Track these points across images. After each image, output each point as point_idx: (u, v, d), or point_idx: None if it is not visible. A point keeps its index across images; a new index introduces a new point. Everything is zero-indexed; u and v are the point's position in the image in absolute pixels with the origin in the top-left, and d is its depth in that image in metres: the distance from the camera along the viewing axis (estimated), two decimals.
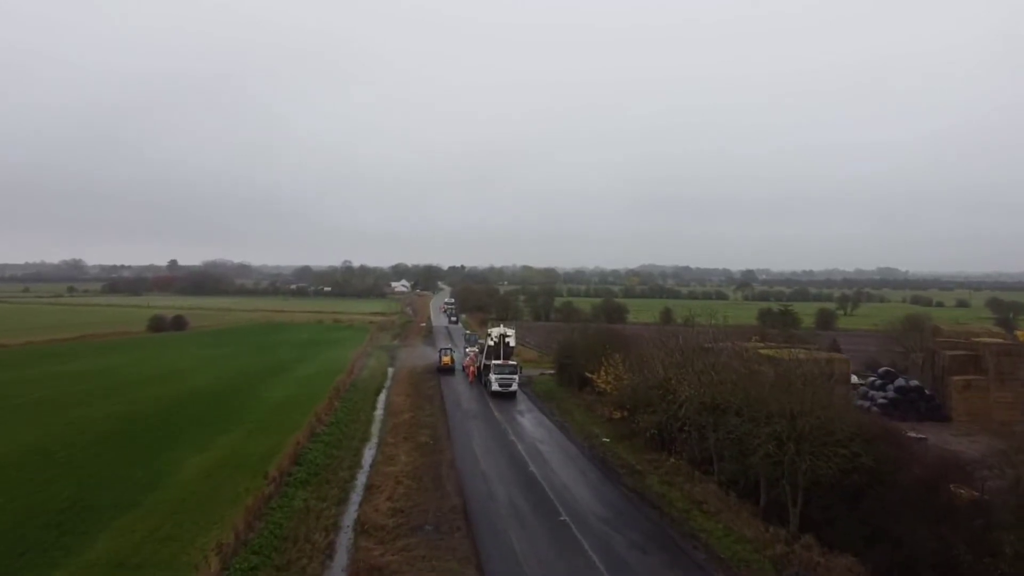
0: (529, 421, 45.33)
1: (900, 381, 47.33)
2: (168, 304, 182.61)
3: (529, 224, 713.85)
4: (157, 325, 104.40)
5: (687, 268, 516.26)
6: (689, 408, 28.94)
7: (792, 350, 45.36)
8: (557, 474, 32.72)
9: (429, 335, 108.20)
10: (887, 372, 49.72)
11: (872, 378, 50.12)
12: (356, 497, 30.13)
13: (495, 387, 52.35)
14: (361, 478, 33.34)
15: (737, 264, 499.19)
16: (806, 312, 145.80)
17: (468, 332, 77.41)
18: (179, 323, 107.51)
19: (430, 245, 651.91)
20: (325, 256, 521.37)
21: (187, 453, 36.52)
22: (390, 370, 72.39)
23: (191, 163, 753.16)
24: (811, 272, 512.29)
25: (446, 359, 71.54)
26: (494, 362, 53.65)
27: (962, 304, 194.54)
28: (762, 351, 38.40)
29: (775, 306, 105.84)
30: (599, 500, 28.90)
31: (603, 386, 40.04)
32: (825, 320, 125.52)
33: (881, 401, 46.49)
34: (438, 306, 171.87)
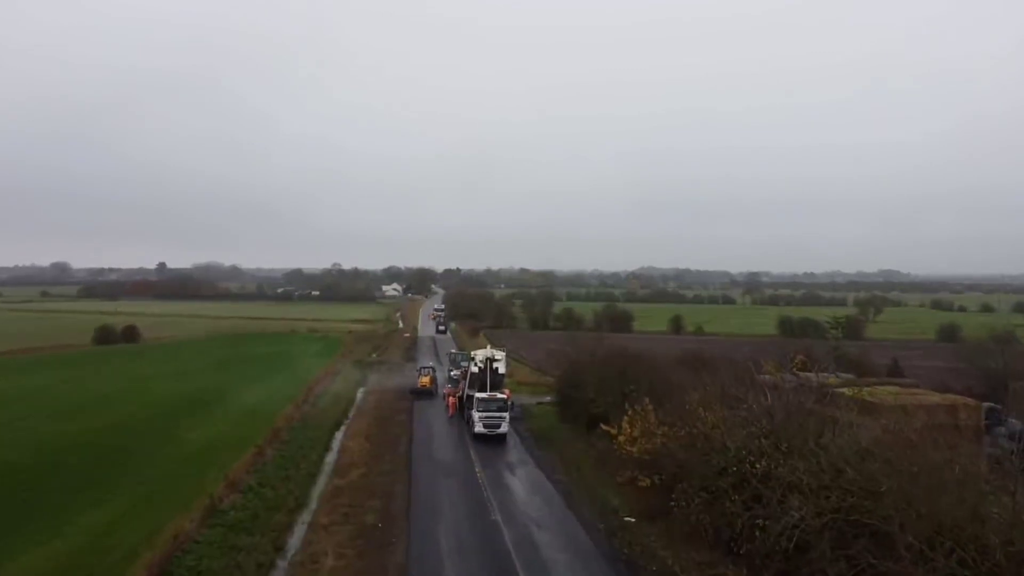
0: (522, 482, 33.53)
1: (1015, 424, 35.75)
2: (137, 311, 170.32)
3: (526, 226, 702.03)
4: (104, 337, 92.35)
5: (687, 271, 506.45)
6: (806, 519, 16.92)
7: (881, 388, 33.84)
8: None
9: (413, 347, 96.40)
10: (991, 410, 38.04)
11: None
12: None
13: (479, 428, 40.55)
14: None
15: (737, 266, 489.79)
16: (823, 317, 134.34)
17: (453, 351, 65.54)
18: (130, 334, 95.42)
19: (425, 247, 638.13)
20: (319, 258, 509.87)
21: (17, 548, 24.83)
22: (360, 393, 60.78)
23: (185, 164, 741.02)
24: (812, 274, 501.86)
25: (424, 380, 60.31)
26: (478, 394, 41.79)
27: (987, 309, 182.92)
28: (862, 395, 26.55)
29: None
30: None
31: (628, 448, 27.87)
32: (853, 328, 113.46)
33: (988, 450, 34.90)
34: (428, 313, 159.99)
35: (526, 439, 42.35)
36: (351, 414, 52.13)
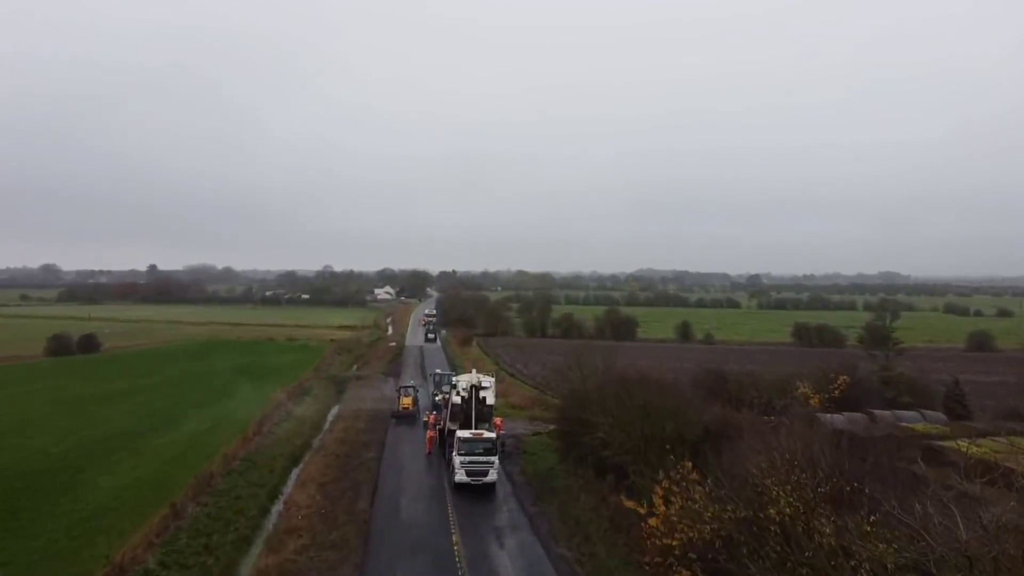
0: (513, 560, 25.18)
1: None
2: (112, 316, 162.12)
3: (524, 227, 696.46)
4: (58, 347, 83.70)
5: (686, 272, 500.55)
6: None
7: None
8: None
9: (398, 359, 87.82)
10: None
11: None
12: None
13: (460, 476, 32.12)
14: None
15: (736, 268, 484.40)
16: (836, 322, 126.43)
17: (438, 371, 56.92)
18: (88, 344, 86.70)
19: (422, 249, 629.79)
20: (316, 260, 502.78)
21: None
22: (329, 417, 52.54)
23: (182, 165, 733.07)
24: (812, 276, 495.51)
25: (406, 401, 52.41)
26: (460, 433, 33.35)
27: (1004, 313, 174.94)
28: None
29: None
30: None
31: (666, 540, 19.26)
32: (875, 336, 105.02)
33: None
34: (420, 318, 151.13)
35: (520, 487, 34.00)
36: (315, 444, 43.97)
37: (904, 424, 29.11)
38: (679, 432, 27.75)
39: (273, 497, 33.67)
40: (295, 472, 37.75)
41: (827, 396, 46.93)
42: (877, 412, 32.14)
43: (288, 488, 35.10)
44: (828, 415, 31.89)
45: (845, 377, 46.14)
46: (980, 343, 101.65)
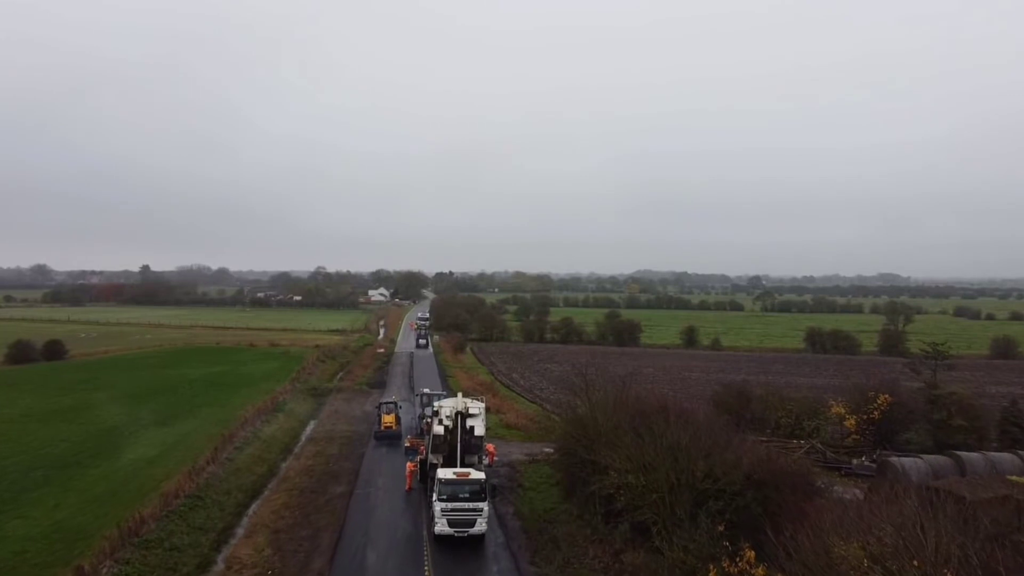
0: None
1: None
2: (94, 318, 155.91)
3: (521, 228, 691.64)
4: (20, 354, 77.66)
5: (685, 273, 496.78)
6: None
7: None
8: None
9: (386, 367, 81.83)
10: None
11: None
12: None
13: (441, 526, 26.18)
14: None
15: (735, 269, 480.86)
16: (844, 325, 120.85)
17: (426, 390, 50.62)
18: (52, 351, 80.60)
19: (417, 250, 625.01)
20: (309, 261, 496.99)
21: None
22: (302, 439, 46.82)
23: (176, 167, 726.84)
24: (812, 278, 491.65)
25: (388, 419, 46.75)
26: (442, 473, 27.40)
27: (1016, 316, 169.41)
28: None
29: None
30: None
31: None
32: (890, 341, 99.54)
33: None
34: (412, 322, 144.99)
35: (514, 535, 28.10)
36: (281, 471, 38.21)
37: (1014, 478, 23.05)
38: (712, 479, 22.00)
39: (219, 545, 27.95)
40: (250, 512, 31.97)
41: (865, 417, 41.27)
42: (964, 455, 25.80)
43: (240, 532, 29.39)
44: (902, 460, 25.76)
45: (886, 396, 40.44)
46: (1005, 350, 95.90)
